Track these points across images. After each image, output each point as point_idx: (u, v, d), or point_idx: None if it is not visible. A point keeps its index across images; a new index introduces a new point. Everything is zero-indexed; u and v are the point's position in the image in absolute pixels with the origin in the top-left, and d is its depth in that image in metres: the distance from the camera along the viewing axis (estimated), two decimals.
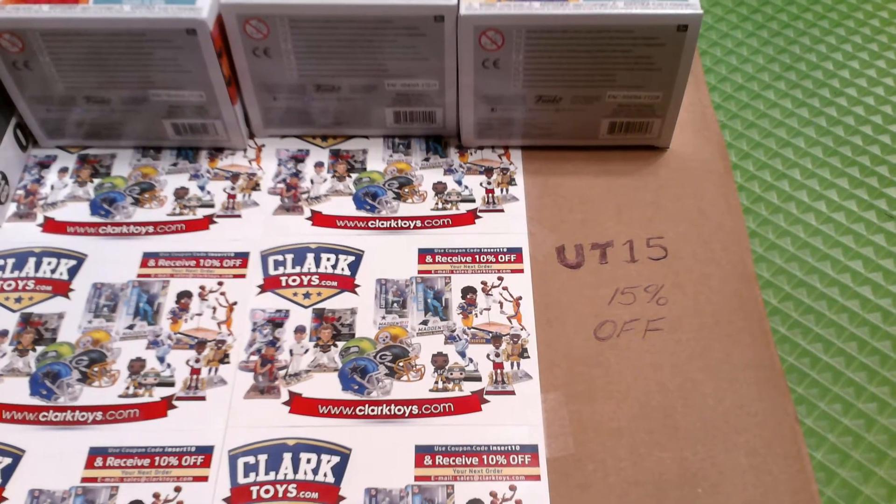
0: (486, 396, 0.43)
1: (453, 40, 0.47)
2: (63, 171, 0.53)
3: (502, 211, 0.51)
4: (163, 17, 0.45)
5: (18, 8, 0.45)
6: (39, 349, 0.44)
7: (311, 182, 0.52)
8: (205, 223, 0.50)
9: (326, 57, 0.49)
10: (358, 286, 0.47)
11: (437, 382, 0.43)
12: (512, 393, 0.43)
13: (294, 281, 0.47)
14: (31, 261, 0.48)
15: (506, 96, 0.50)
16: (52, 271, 0.48)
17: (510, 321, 0.45)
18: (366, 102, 0.52)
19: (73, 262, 0.48)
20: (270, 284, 0.47)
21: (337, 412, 0.42)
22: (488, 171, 0.53)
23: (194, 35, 0.46)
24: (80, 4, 0.45)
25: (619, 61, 0.48)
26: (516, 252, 0.49)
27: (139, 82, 0.49)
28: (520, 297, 0.46)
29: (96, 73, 0.48)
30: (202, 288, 0.47)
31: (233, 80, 0.50)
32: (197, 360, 0.44)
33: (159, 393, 0.43)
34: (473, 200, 0.51)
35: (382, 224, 0.50)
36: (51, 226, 0.50)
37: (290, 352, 0.44)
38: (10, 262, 0.48)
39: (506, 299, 0.46)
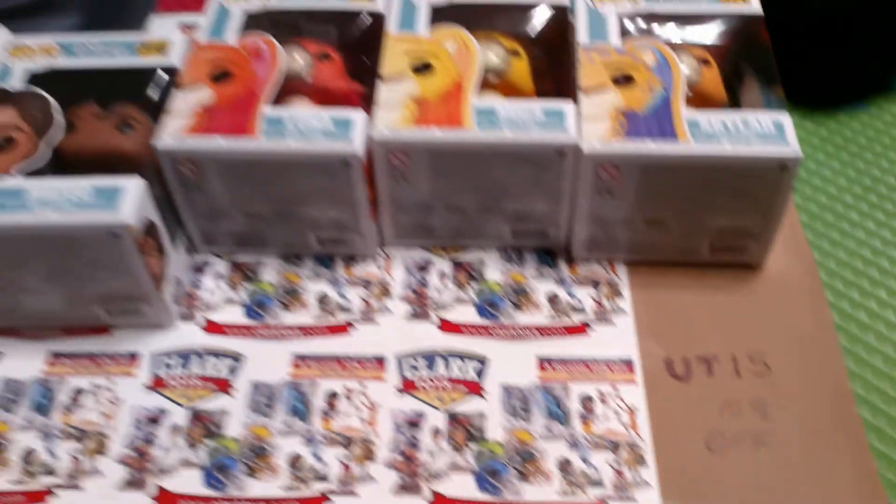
0: (609, 503, 0.47)
1: (572, 170, 0.53)
2: (218, 275, 0.59)
3: (612, 323, 0.56)
4: (322, 150, 0.52)
5: (198, 139, 0.52)
6: (208, 442, 0.50)
7: (437, 290, 0.58)
8: (344, 328, 0.56)
9: (456, 182, 0.55)
10: (485, 391, 0.52)
11: (563, 486, 0.48)
12: (634, 500, 0.47)
13: (428, 385, 0.53)
14: (195, 359, 0.54)
15: (616, 219, 0.55)
16: (215, 370, 0.54)
17: (627, 430, 0.50)
18: (486, 219, 0.58)
19: (232, 362, 0.54)
20: (407, 387, 0.53)
21: None
22: (596, 284, 0.58)
23: (348, 166, 0.52)
24: (251, 138, 0.52)
25: (723, 192, 0.53)
26: (628, 363, 0.53)
27: (293, 201, 0.55)
28: (634, 407, 0.51)
29: (257, 193, 0.55)
30: (347, 389, 0.53)
31: (373, 200, 0.56)
32: (347, 457, 0.49)
33: (317, 487, 0.48)
34: (584, 312, 0.57)
35: (503, 332, 0.56)
36: (211, 327, 0.56)
37: (429, 452, 0.49)
38: (177, 360, 0.54)
39: (621, 409, 0.51)
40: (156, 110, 0.56)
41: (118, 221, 0.49)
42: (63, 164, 0.54)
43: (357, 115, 0.53)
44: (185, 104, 0.54)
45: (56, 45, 0.60)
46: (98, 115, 0.56)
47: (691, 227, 0.56)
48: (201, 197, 0.55)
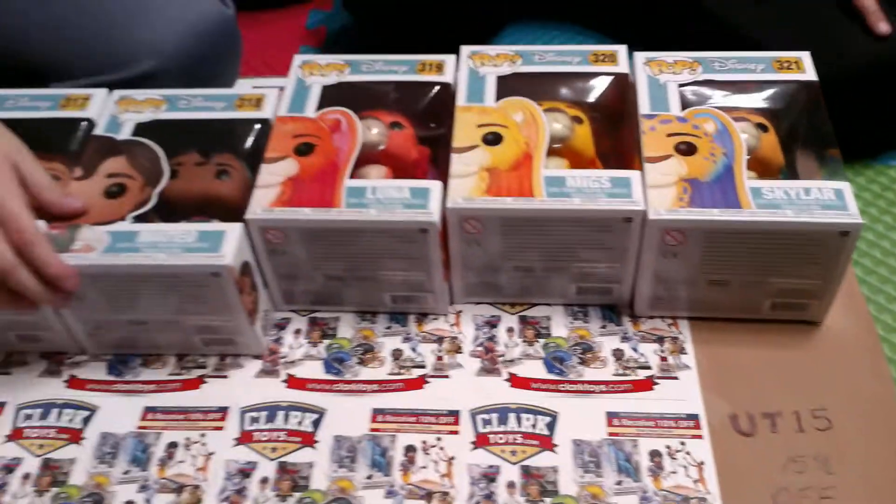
0: None
1: (639, 235, 0.56)
2: (297, 332, 0.63)
3: (677, 378, 0.58)
4: (401, 219, 0.55)
5: (285, 210, 0.56)
6: (297, 495, 0.53)
7: (505, 346, 0.61)
8: (419, 382, 0.59)
9: (527, 246, 0.58)
10: (556, 445, 0.55)
11: None
12: None
13: (501, 439, 0.55)
14: (280, 414, 0.57)
15: (680, 279, 0.58)
16: (299, 424, 0.57)
17: (695, 485, 0.52)
18: (552, 278, 0.61)
19: (314, 416, 0.57)
20: (481, 441, 0.55)
21: None
22: (660, 340, 0.61)
23: (426, 233, 0.56)
24: (335, 208, 0.56)
25: (786, 256, 0.55)
26: (694, 418, 0.56)
27: (371, 264, 0.59)
28: (702, 462, 0.53)
29: (337, 257, 0.59)
30: (424, 442, 0.55)
31: (446, 262, 0.59)
32: None
33: None
34: (650, 367, 0.59)
35: (571, 388, 0.58)
36: (293, 382, 0.59)
37: None
38: (264, 414, 0.58)
39: (689, 464, 0.53)
40: (250, 159, 0.61)
41: (221, 263, 0.54)
42: (168, 207, 0.58)
43: (433, 185, 0.57)
44: (272, 176, 0.58)
45: (161, 98, 0.65)
46: (198, 163, 0.61)
47: (753, 287, 0.58)
48: (285, 260, 0.59)
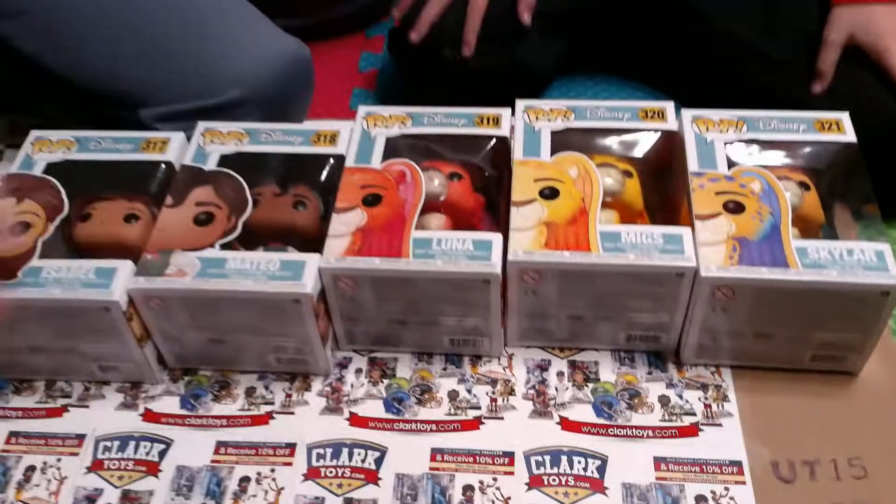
0: None
1: (689, 289, 0.59)
2: (358, 371, 0.66)
3: (720, 425, 0.61)
4: (466, 271, 0.59)
5: (357, 259, 0.60)
6: None
7: (556, 390, 0.64)
8: (475, 423, 0.62)
9: (581, 296, 0.61)
10: (607, 488, 0.58)
11: None
12: None
13: (554, 480, 0.58)
14: (345, 451, 0.61)
15: (726, 331, 0.61)
16: (362, 461, 0.60)
17: None
18: (603, 326, 0.64)
19: (377, 454, 0.60)
20: (535, 482, 0.58)
21: None
22: (704, 387, 0.64)
23: (488, 284, 0.59)
24: (403, 258, 0.59)
25: (829, 313, 0.58)
26: (737, 465, 0.59)
27: (434, 310, 0.62)
28: None
29: (402, 303, 0.62)
30: (481, 482, 0.58)
31: (503, 309, 0.63)
32: None
33: None
34: (695, 414, 0.62)
35: (620, 431, 0.61)
36: (355, 420, 0.63)
37: None
38: (329, 451, 0.61)
39: None
40: (324, 191, 0.65)
41: (302, 292, 0.58)
42: (248, 234, 0.63)
43: (494, 238, 0.60)
44: (343, 226, 0.62)
45: (244, 131, 0.70)
46: (277, 194, 0.66)
47: (796, 340, 0.61)
48: (352, 304, 0.62)
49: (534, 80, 0.88)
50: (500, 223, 0.63)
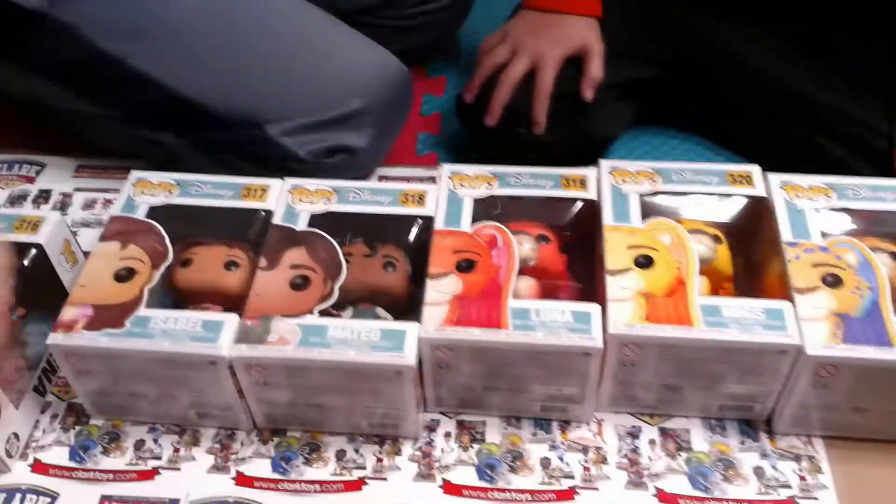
0: None
1: (791, 365, 0.59)
2: (447, 435, 0.66)
3: (816, 499, 0.61)
4: (567, 343, 0.59)
5: (456, 330, 0.60)
6: None
7: (649, 458, 0.64)
8: (570, 494, 0.62)
9: (680, 368, 0.61)
10: None
11: None
12: None
13: None
14: None
15: (824, 405, 0.61)
16: None
17: None
18: (695, 395, 0.64)
19: None
20: None
21: None
22: (797, 458, 0.63)
23: (588, 356, 0.59)
24: (503, 330, 0.59)
25: None
26: None
27: (528, 379, 0.62)
28: None
29: (498, 372, 0.62)
30: None
31: (599, 378, 0.63)
32: None
33: None
34: (790, 486, 0.62)
35: None
36: (449, 488, 0.63)
37: None
38: None
39: None
40: (413, 253, 0.66)
41: (404, 364, 0.58)
42: (342, 298, 0.63)
43: (593, 309, 0.60)
44: (439, 294, 0.62)
45: (331, 190, 0.70)
46: (366, 255, 0.67)
47: (893, 414, 0.61)
48: (445, 371, 0.63)
49: (603, 144, 0.88)
50: (596, 292, 0.63)
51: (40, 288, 0.67)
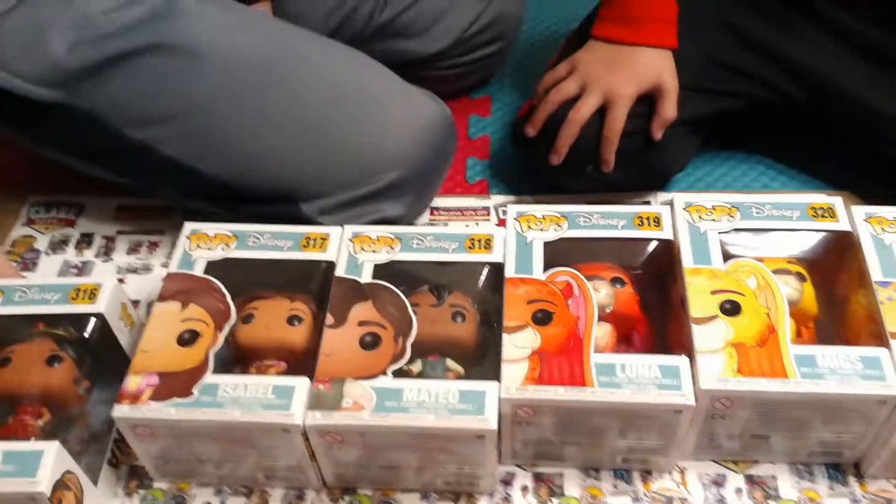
0: None
1: (889, 413, 0.57)
2: (524, 489, 0.64)
3: None
4: (656, 402, 0.56)
5: (539, 389, 0.57)
6: None
7: None
8: None
9: (774, 420, 0.59)
10: None
11: None
12: None
13: None
14: None
15: None
16: None
17: None
18: (783, 443, 0.61)
19: None
20: None
21: None
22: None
23: (679, 413, 0.57)
24: (588, 388, 0.57)
25: None
26: None
27: (611, 434, 0.60)
28: None
29: (580, 429, 0.60)
30: None
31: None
32: None
33: None
34: None
35: None
36: None
37: None
38: None
39: None
40: (482, 300, 0.64)
41: (486, 428, 0.56)
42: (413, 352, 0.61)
43: (682, 363, 0.58)
44: (518, 349, 0.59)
45: (394, 237, 0.67)
46: (433, 304, 0.64)
47: None
48: (525, 428, 0.60)
49: (668, 176, 0.85)
50: (676, 339, 0.60)
51: (103, 356, 0.64)
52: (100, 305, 0.64)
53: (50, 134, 0.75)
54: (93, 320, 0.64)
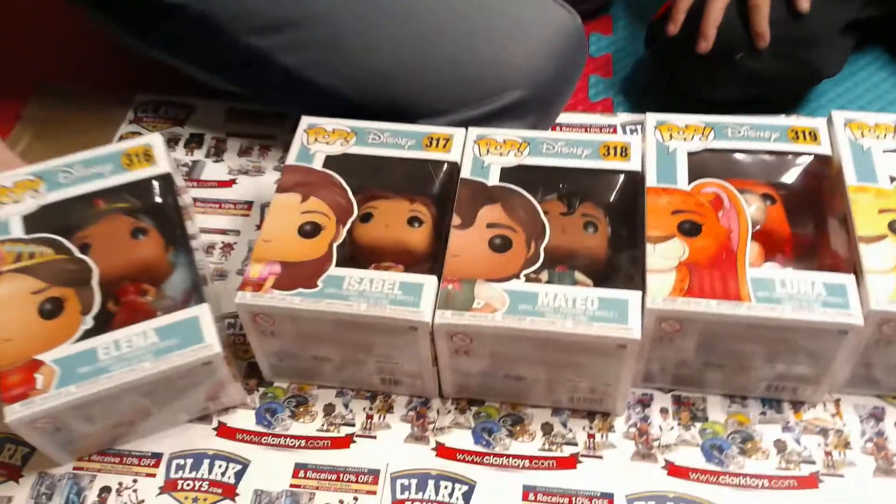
0: None
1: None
2: (663, 411, 0.61)
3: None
4: (822, 319, 0.52)
5: (689, 301, 0.53)
6: None
7: None
8: (812, 481, 0.56)
9: None
10: None
11: None
12: None
13: None
14: None
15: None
16: None
17: None
18: None
19: None
20: None
21: None
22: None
23: (846, 334, 0.53)
24: (744, 303, 0.53)
25: None
26: None
27: (761, 356, 0.56)
28: None
29: (727, 348, 0.56)
30: None
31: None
32: None
33: None
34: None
35: None
36: (673, 469, 0.58)
37: None
38: (639, 502, 0.56)
39: None
40: (614, 212, 0.60)
41: (629, 337, 0.53)
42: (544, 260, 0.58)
43: (848, 281, 0.53)
44: (664, 260, 0.56)
45: (522, 140, 0.64)
46: (563, 213, 0.60)
47: None
48: (667, 345, 0.57)
49: (818, 81, 0.79)
50: (841, 265, 0.55)
51: (173, 219, 0.63)
52: (162, 165, 0.63)
53: (167, 40, 0.74)
54: (156, 184, 0.63)
